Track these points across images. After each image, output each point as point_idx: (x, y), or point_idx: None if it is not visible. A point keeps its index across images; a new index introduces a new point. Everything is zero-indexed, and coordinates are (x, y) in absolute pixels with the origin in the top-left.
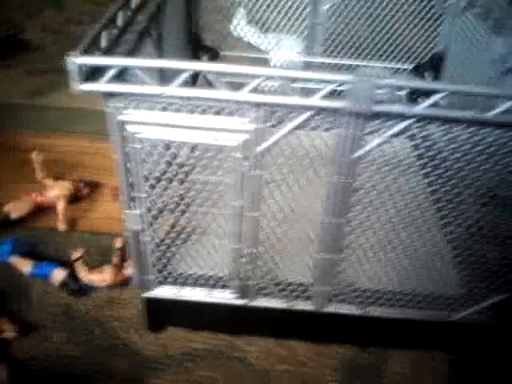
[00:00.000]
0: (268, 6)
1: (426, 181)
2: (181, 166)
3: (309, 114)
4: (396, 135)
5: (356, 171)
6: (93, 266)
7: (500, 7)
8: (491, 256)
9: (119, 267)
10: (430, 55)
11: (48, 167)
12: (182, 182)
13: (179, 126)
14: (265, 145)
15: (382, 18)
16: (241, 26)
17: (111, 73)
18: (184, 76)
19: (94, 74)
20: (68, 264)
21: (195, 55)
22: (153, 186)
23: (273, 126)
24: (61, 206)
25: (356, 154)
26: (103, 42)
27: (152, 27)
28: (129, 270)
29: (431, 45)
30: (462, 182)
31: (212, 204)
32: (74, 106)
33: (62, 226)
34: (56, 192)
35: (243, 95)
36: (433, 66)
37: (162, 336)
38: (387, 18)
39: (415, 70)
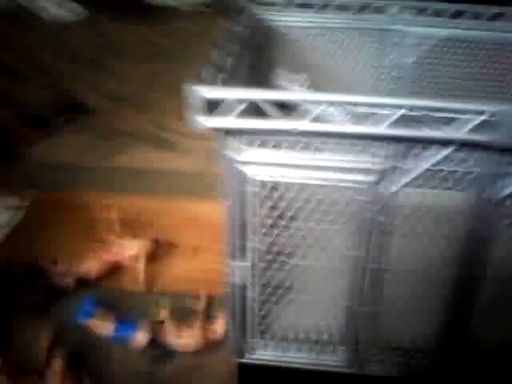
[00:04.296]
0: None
1: None
2: (298, 210)
3: (450, 149)
4: None
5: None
6: (177, 328)
7: None
8: None
9: (203, 330)
10: None
11: (122, 226)
12: (297, 229)
13: (302, 167)
14: (396, 186)
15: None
16: None
17: (241, 107)
18: (317, 111)
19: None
20: (151, 326)
21: None
22: (265, 234)
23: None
24: (140, 265)
25: (501, 195)
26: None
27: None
28: (214, 333)
29: None
30: None
31: (326, 255)
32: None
33: (137, 286)
34: (131, 251)
35: (381, 129)
36: None
37: None
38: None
39: None
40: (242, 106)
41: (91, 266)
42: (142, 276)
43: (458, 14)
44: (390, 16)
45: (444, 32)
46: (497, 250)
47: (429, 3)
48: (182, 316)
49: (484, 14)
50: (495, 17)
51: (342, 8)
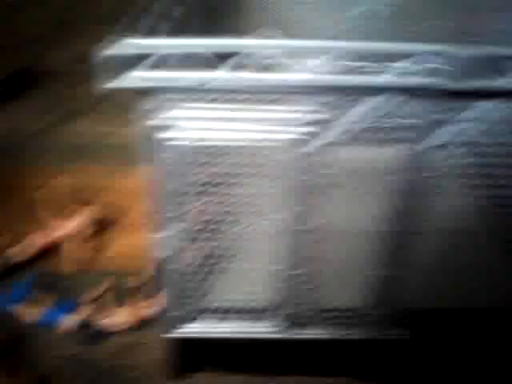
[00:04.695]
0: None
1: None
2: (223, 175)
3: (385, 95)
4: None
5: (432, 163)
6: (105, 309)
7: None
8: None
9: (136, 307)
10: None
11: (56, 204)
12: (223, 194)
13: (224, 126)
14: (321, 144)
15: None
16: None
17: (153, 59)
18: (237, 58)
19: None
20: (77, 308)
21: None
22: (185, 204)
23: None
24: (68, 245)
25: (433, 142)
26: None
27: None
28: (146, 311)
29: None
30: None
31: (253, 221)
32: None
33: (69, 266)
34: (63, 231)
35: (312, 77)
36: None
37: (192, 382)
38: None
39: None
40: (154, 58)
41: (25, 247)
42: (80, 255)
43: None
44: None
45: None
46: (433, 204)
47: None
48: (121, 294)
49: None
50: None
51: None
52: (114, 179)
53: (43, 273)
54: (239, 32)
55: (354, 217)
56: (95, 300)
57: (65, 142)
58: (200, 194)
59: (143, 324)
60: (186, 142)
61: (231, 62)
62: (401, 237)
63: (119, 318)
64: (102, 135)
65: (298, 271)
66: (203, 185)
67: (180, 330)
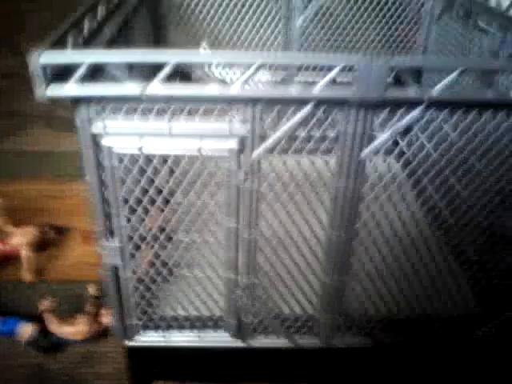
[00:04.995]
0: (238, 25)
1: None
2: (164, 182)
3: (310, 106)
4: (404, 131)
5: (364, 173)
6: (65, 318)
7: (481, 4)
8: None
9: (95, 316)
10: None
11: (10, 213)
12: (166, 201)
13: (161, 135)
14: (262, 150)
15: (356, 30)
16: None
17: (82, 70)
18: (168, 69)
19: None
20: (36, 317)
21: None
22: (133, 210)
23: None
24: (25, 254)
25: (363, 154)
26: (69, 46)
27: (120, 39)
28: (106, 319)
29: (410, 51)
30: (467, 186)
31: (202, 228)
32: (34, 149)
33: (27, 275)
34: (19, 239)
35: (238, 88)
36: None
37: None
38: (362, 29)
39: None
40: (84, 69)
41: None
42: (28, 265)
43: None
44: None
45: None
46: (367, 209)
47: None
48: (75, 303)
49: None
50: None
51: None
52: (71, 185)
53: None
54: (179, 45)
55: (300, 224)
56: (55, 309)
57: (17, 149)
58: (148, 202)
59: (103, 333)
60: (127, 150)
61: (165, 73)
62: (347, 244)
63: (79, 326)
64: (51, 143)
65: (252, 280)
66: (147, 193)
67: (136, 339)
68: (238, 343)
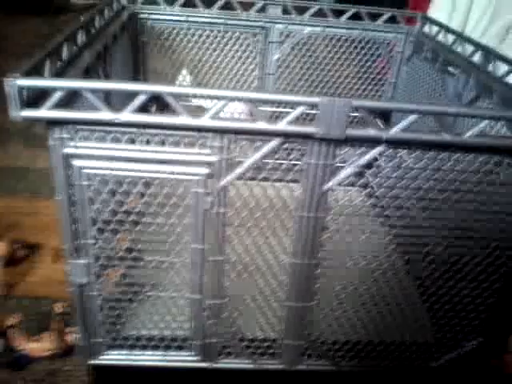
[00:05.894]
0: (214, 62)
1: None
2: (134, 206)
3: (276, 141)
4: (366, 166)
5: (326, 205)
6: (31, 334)
7: (447, 49)
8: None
9: (60, 334)
10: None
11: None
12: (135, 223)
13: (132, 160)
14: (229, 178)
15: (329, 68)
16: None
17: (57, 96)
18: (141, 99)
19: (35, 101)
20: (1, 333)
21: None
22: (101, 231)
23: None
24: None
25: (326, 186)
26: (46, 71)
27: (98, 67)
28: (71, 337)
29: (379, 93)
30: (428, 219)
31: (169, 250)
32: (10, 166)
33: None
34: None
35: (206, 120)
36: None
37: None
38: (335, 67)
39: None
40: (58, 95)
41: None
42: (6, 280)
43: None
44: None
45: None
46: (330, 238)
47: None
48: (42, 320)
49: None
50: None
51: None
52: (46, 203)
53: None
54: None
55: (265, 250)
56: (20, 325)
57: None
58: (117, 222)
59: (68, 350)
60: (97, 171)
61: (137, 103)
62: (311, 271)
63: (44, 343)
64: (28, 159)
65: (218, 301)
66: (117, 214)
67: (101, 358)
68: (203, 364)
